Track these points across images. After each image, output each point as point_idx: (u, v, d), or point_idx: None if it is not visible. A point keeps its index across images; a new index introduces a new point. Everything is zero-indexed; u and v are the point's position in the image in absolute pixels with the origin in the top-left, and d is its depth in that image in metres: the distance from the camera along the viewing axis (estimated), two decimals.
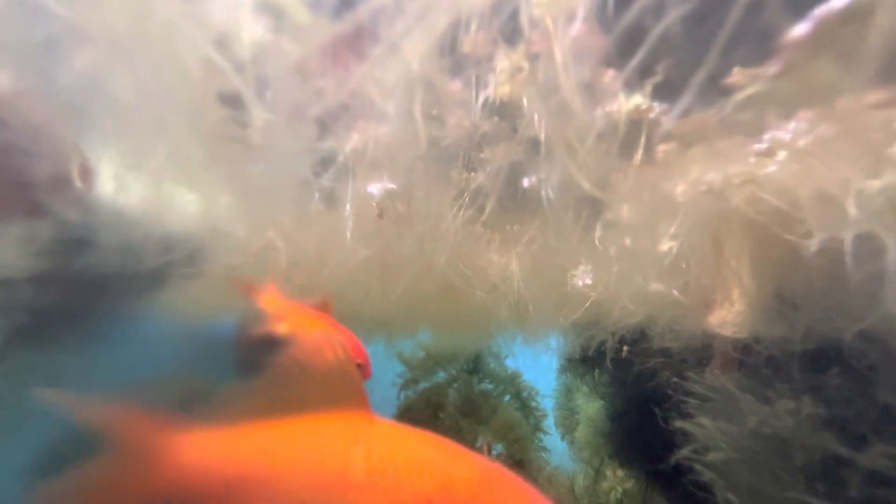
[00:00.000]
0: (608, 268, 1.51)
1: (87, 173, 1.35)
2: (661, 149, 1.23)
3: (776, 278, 1.32)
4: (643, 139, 1.17)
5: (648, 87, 1.09)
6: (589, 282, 1.68)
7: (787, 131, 1.09)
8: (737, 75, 1.05)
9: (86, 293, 1.81)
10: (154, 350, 2.19)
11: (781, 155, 1.10)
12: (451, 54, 1.08)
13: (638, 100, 1.11)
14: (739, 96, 1.06)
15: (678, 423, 1.68)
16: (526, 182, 1.28)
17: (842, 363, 1.33)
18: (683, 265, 1.44)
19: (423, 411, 2.85)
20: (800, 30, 0.95)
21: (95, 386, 1.94)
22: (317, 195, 1.41)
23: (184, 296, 2.15)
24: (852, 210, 1.00)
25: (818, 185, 1.06)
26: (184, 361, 2.32)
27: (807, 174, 1.07)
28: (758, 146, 1.12)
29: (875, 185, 0.99)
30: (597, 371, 2.95)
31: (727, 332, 1.57)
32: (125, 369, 2.04)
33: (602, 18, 0.98)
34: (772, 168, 1.11)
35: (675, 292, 1.52)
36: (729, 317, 1.55)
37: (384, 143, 1.23)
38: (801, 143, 1.07)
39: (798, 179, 1.08)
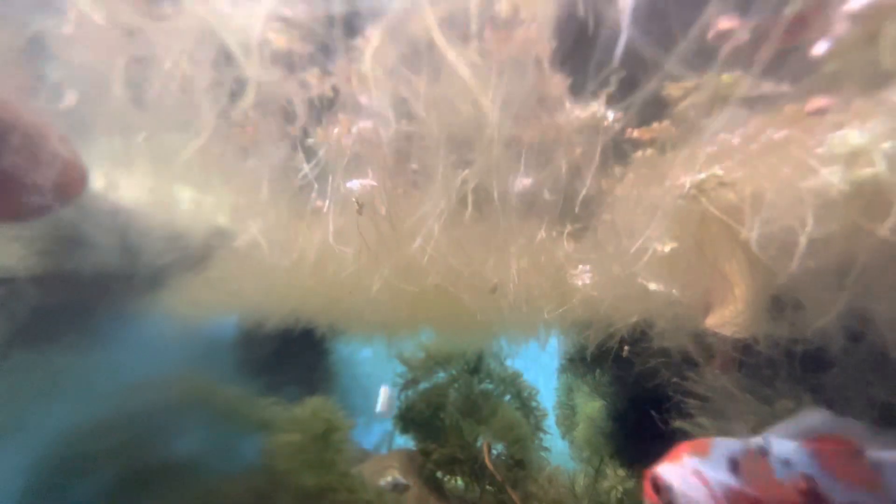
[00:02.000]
0: (600, 267, 1.51)
1: (80, 174, 1.33)
2: (639, 155, 1.25)
3: (768, 278, 1.32)
4: (600, 145, 1.19)
5: (603, 97, 1.09)
6: (588, 281, 1.68)
7: (736, 136, 1.10)
8: (670, 88, 1.06)
9: (86, 293, 1.82)
10: (155, 350, 2.20)
11: (735, 159, 1.12)
12: (411, 45, 1.03)
13: (594, 108, 1.13)
14: (681, 106, 1.08)
15: (678, 424, 1.68)
16: (515, 184, 1.28)
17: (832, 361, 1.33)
18: (682, 266, 1.44)
19: (423, 411, 2.86)
20: None
21: (95, 386, 1.95)
22: (316, 194, 1.40)
23: (184, 296, 2.16)
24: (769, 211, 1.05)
25: (760, 186, 1.09)
26: (185, 361, 2.33)
27: (752, 176, 1.10)
28: (710, 149, 1.14)
29: (807, 185, 1.01)
30: (598, 371, 2.95)
31: (727, 331, 1.56)
32: (126, 369, 2.05)
33: (558, 23, 0.97)
34: (738, 173, 1.13)
35: (674, 291, 1.52)
36: (728, 317, 1.54)
37: (366, 139, 1.21)
38: (752, 147, 1.09)
39: (748, 181, 1.10)
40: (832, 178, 0.98)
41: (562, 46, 1.00)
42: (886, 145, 0.94)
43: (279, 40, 1.08)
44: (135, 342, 2.09)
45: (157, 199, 1.67)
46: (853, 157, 0.98)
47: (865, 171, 0.97)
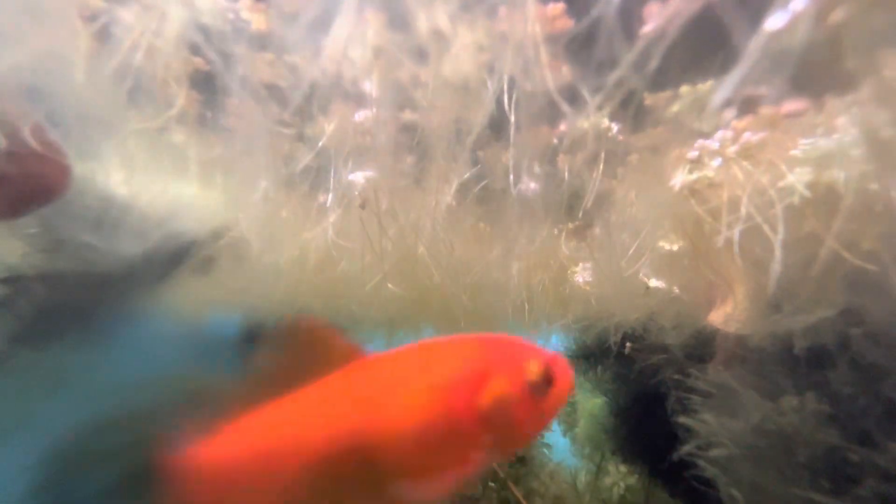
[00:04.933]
0: (602, 265, 1.51)
1: (61, 169, 1.25)
2: (633, 157, 1.27)
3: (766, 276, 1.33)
4: (604, 151, 1.20)
5: (608, 108, 1.08)
6: (589, 278, 1.68)
7: (715, 140, 1.13)
8: (648, 99, 1.10)
9: (89, 291, 1.82)
10: (156, 349, 2.20)
11: (716, 162, 1.14)
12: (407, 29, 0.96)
13: (598, 119, 1.14)
14: (668, 112, 1.10)
15: (681, 420, 1.68)
16: (514, 183, 1.27)
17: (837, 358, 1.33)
18: (683, 263, 1.44)
19: None
20: None
21: (98, 385, 1.96)
22: (315, 187, 1.38)
23: (188, 294, 2.16)
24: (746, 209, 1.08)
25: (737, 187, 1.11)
26: (186, 360, 2.33)
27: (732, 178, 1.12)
28: (691, 154, 1.16)
29: (778, 185, 1.05)
30: (599, 367, 2.95)
31: (730, 328, 1.56)
32: (127, 368, 2.05)
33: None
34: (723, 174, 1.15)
35: (675, 289, 1.52)
36: (731, 313, 1.54)
37: (365, 129, 1.19)
38: (731, 150, 1.12)
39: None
40: (798, 182, 0.99)
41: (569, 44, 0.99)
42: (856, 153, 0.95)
43: (258, 21, 1.04)
44: (138, 340, 2.10)
45: (155, 195, 1.66)
46: (823, 163, 1.00)
47: (828, 177, 0.99)
